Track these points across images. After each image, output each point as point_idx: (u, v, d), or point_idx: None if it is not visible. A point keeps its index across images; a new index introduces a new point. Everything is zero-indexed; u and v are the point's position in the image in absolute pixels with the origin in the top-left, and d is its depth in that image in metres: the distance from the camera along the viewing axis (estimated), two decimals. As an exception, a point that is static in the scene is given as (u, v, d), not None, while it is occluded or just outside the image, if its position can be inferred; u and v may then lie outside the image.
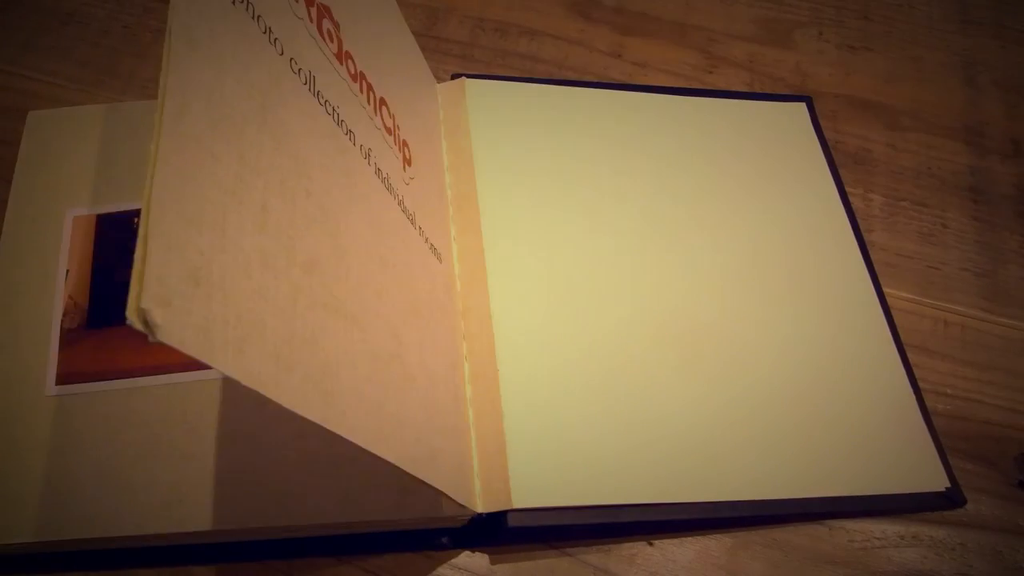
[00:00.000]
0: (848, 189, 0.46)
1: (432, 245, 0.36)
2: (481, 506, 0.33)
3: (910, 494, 0.36)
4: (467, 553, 0.34)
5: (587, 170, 0.43)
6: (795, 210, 0.44)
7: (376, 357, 0.28)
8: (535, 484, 0.32)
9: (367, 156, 0.31)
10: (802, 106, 0.49)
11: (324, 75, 0.29)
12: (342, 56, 0.31)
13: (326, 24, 0.30)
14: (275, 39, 0.26)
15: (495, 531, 0.32)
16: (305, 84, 0.28)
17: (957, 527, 0.36)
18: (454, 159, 0.42)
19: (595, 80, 0.49)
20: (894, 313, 0.41)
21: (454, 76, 0.45)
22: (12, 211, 0.39)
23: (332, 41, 0.31)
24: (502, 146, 0.42)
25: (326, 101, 0.29)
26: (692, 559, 0.35)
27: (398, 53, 0.39)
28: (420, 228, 0.34)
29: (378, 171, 0.32)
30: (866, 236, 0.44)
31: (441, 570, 0.34)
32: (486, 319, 0.36)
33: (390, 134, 0.34)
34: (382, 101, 0.34)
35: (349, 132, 0.30)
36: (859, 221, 0.44)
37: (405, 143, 0.36)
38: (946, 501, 0.36)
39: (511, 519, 0.32)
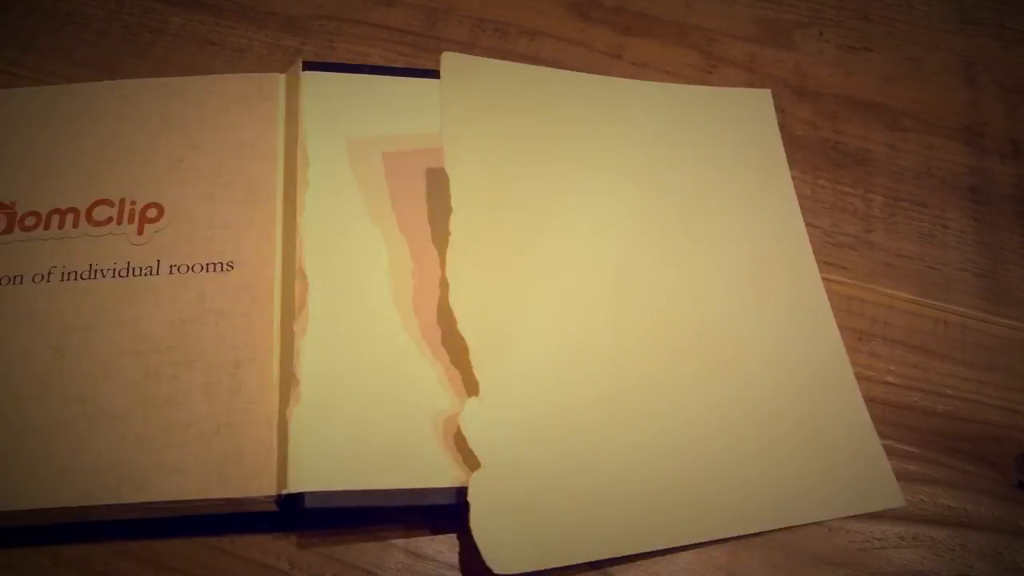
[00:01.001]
0: (848, 189, 0.46)
1: (209, 264, 0.38)
2: (275, 488, 0.32)
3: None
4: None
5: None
6: (752, 234, 0.42)
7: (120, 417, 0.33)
8: (321, 466, 0.32)
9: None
10: (766, 93, 0.48)
11: None
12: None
13: None
14: None
15: (302, 513, 0.32)
16: None
17: (957, 528, 0.36)
18: (290, 146, 0.41)
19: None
20: (894, 314, 0.41)
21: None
22: None
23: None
24: (335, 127, 0.41)
25: None
26: (692, 560, 0.35)
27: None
28: (174, 265, 0.37)
29: (72, 274, 0.37)
30: (866, 236, 0.44)
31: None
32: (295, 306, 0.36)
33: (108, 224, 0.38)
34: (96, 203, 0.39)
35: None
36: (859, 222, 0.44)
37: (150, 206, 0.39)
38: None
39: (308, 500, 0.31)
